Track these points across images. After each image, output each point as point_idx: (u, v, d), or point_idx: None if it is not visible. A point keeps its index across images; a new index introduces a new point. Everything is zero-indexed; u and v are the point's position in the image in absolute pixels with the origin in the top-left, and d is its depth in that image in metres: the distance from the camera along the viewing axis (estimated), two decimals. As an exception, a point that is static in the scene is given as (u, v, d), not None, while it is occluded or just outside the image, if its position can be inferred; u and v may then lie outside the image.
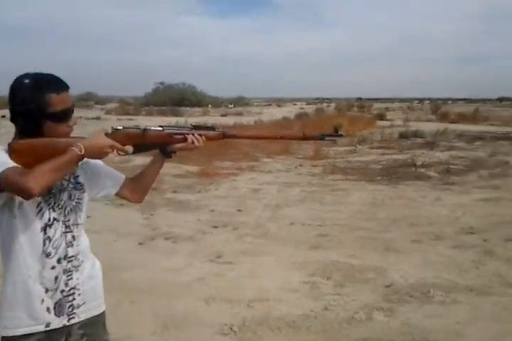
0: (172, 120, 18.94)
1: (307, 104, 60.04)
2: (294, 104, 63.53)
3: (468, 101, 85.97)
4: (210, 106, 43.33)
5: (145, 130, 1.51)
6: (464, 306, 3.37)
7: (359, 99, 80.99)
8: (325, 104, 54.05)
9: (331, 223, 5.53)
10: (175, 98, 43.28)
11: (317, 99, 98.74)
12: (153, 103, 41.26)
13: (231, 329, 3.02)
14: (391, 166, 9.63)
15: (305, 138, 1.72)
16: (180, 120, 18.03)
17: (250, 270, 4.05)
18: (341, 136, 1.79)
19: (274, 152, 11.63)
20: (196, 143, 1.54)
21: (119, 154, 1.48)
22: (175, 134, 1.54)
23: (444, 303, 3.42)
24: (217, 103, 49.04)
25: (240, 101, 54.49)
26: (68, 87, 1.40)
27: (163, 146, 1.55)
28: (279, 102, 72.40)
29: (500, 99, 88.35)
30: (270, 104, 64.96)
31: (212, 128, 1.63)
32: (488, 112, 31.34)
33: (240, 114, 33.65)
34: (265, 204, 6.46)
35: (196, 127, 1.60)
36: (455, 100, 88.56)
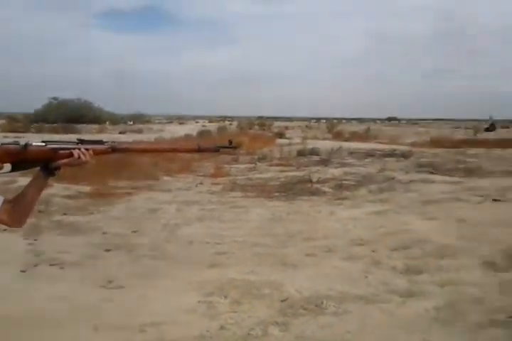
0: (64, 138, 17.94)
1: (210, 122, 60.40)
2: (197, 122, 63.65)
3: (360, 120, 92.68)
4: (108, 123, 41.88)
5: (26, 145, 1.39)
6: (355, 315, 3.50)
7: (260, 117, 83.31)
8: (227, 122, 54.75)
9: (230, 240, 5.52)
10: (70, 114, 41.26)
11: (220, 117, 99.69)
12: (46, 119, 38.91)
13: (121, 357, 2.85)
14: (289, 182, 9.92)
15: (200, 150, 1.71)
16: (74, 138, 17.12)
17: (144, 293, 3.87)
18: (235, 147, 1.85)
19: (174, 170, 11.46)
20: (83, 158, 1.45)
21: None
22: (59, 149, 1.44)
23: (337, 314, 3.53)
24: (116, 120, 47.53)
25: (140, 118, 53.38)
26: None
27: (46, 163, 1.43)
28: (181, 120, 72.09)
29: (389, 119, 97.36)
30: (172, 122, 64.47)
31: (100, 141, 1.54)
32: (378, 131, 33.81)
33: (139, 131, 32.89)
34: (163, 224, 6.29)
35: (83, 141, 1.51)
36: (349, 119, 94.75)
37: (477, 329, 3.22)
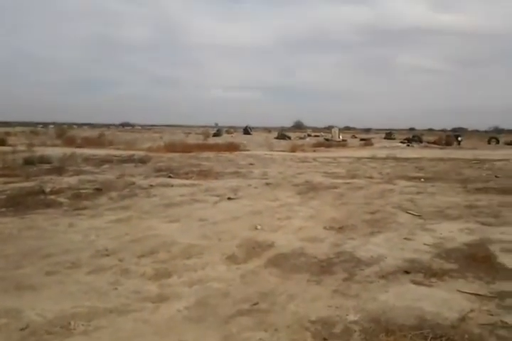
0: None
1: None
2: None
3: (93, 126, 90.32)
4: None
5: None
6: (107, 330, 3.33)
7: (-27, 122, 72.05)
8: None
9: None
10: None
11: None
12: None
13: None
14: (17, 195, 8.79)
15: None
16: None
17: None
18: None
19: None
20: None
21: None
22: None
23: (87, 332, 3.30)
24: None
25: None
26: None
27: None
28: None
29: (123, 124, 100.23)
30: None
31: None
32: (112, 136, 33.30)
33: None
34: None
35: None
36: (80, 125, 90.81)
37: (227, 320, 3.46)
